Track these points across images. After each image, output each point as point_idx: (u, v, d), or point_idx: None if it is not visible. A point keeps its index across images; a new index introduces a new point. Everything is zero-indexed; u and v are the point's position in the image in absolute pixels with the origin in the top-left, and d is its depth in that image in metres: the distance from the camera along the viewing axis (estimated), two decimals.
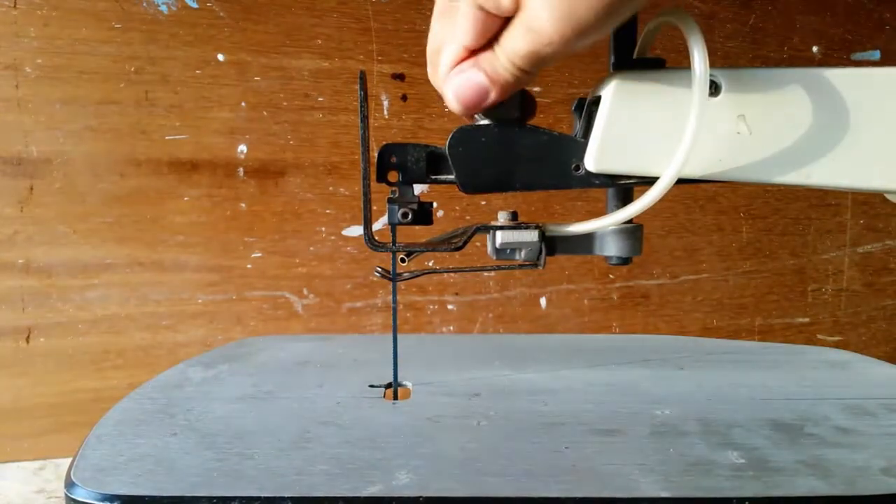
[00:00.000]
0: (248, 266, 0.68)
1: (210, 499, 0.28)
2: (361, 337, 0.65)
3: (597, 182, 0.34)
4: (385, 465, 0.31)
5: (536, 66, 0.29)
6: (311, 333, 0.69)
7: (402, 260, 0.36)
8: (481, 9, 0.28)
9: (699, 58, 0.30)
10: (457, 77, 0.30)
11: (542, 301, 0.75)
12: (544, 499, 0.28)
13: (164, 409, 0.38)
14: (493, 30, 0.29)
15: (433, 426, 0.35)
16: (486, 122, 0.33)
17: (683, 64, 0.31)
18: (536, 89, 0.70)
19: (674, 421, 0.36)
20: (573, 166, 0.33)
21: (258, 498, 0.28)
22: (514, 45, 0.28)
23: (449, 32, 0.30)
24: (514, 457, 0.32)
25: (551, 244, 0.36)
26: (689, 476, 0.30)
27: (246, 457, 0.32)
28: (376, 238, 0.34)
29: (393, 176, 0.34)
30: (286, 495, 0.28)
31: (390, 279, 0.37)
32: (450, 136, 0.33)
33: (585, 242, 0.37)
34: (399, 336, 0.41)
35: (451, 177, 0.34)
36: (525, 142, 0.33)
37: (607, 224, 0.34)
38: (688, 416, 0.37)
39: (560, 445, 0.33)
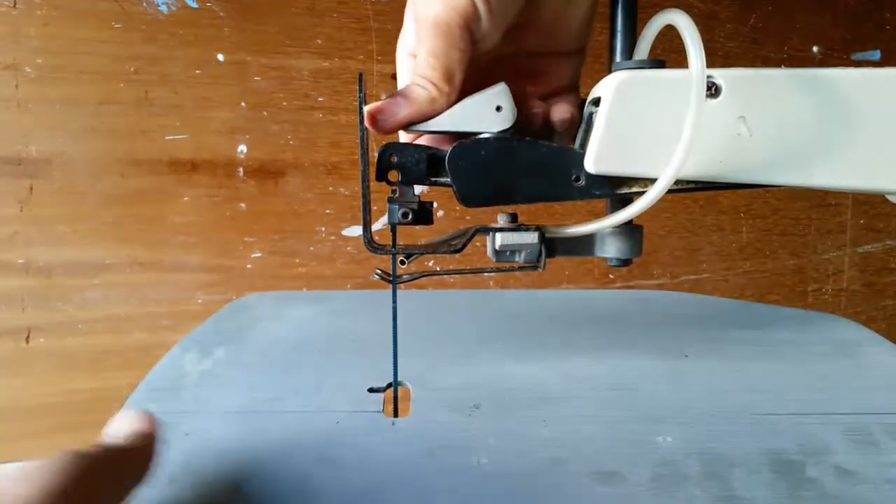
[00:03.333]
0: (248, 266, 0.68)
1: None
2: (361, 294, 0.62)
3: (597, 193, 0.34)
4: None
5: (446, 74, 0.32)
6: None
7: (402, 262, 0.36)
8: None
9: (696, 58, 0.30)
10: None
11: None
12: None
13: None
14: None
15: (431, 462, 0.35)
16: (486, 135, 0.33)
17: (683, 65, 0.31)
18: None
19: (676, 456, 0.35)
20: (573, 177, 0.33)
21: None
22: (419, 61, 0.32)
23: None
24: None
25: (551, 246, 0.36)
26: None
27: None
28: (375, 239, 0.34)
29: (393, 175, 0.34)
30: None
31: (390, 281, 0.37)
32: (449, 150, 0.33)
33: (585, 244, 0.37)
34: (398, 293, 0.40)
35: (450, 181, 0.34)
36: (524, 155, 0.33)
37: (607, 225, 0.34)
38: (690, 450, 0.36)
39: (561, 492, 0.32)
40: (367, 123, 0.32)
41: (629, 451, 0.35)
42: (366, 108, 0.32)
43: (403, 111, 0.32)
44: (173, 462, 0.33)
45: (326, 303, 0.53)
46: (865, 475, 0.34)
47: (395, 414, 0.39)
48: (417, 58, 0.32)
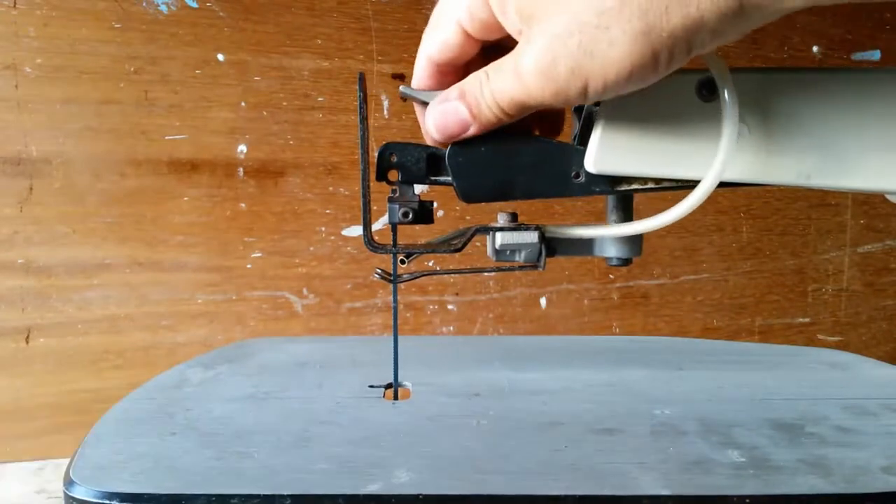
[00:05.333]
0: (248, 266, 0.68)
1: (209, 496, 0.28)
2: (360, 338, 0.65)
3: (597, 190, 0.34)
4: (385, 463, 0.31)
5: (521, 113, 0.28)
6: (311, 334, 0.69)
7: (402, 261, 0.36)
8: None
9: (729, 95, 0.30)
10: (440, 106, 0.30)
11: (542, 301, 0.75)
12: (543, 497, 0.28)
13: (164, 408, 0.38)
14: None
15: (433, 425, 0.35)
16: None
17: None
18: None
19: (674, 420, 0.36)
20: (573, 174, 0.33)
21: (257, 496, 0.28)
22: (502, 86, 0.27)
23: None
24: (514, 455, 0.32)
25: (551, 245, 0.36)
26: (689, 474, 0.30)
27: (245, 455, 0.32)
28: (376, 239, 0.34)
29: (393, 175, 0.34)
30: (285, 493, 0.28)
31: (390, 281, 0.37)
32: (448, 146, 0.33)
33: (585, 244, 0.37)
34: (399, 337, 0.41)
35: (450, 178, 0.34)
36: (524, 151, 0.33)
37: (610, 234, 0.35)
38: (688, 416, 0.37)
39: (560, 444, 0.33)
40: (435, 136, 0.31)
41: (627, 418, 0.36)
42: (434, 124, 0.30)
43: (471, 131, 0.30)
44: (177, 424, 0.35)
45: (325, 342, 0.55)
46: (864, 430, 0.35)
47: (396, 398, 0.40)
48: (506, 77, 0.28)
